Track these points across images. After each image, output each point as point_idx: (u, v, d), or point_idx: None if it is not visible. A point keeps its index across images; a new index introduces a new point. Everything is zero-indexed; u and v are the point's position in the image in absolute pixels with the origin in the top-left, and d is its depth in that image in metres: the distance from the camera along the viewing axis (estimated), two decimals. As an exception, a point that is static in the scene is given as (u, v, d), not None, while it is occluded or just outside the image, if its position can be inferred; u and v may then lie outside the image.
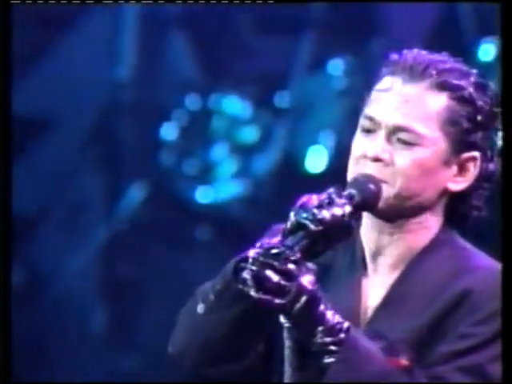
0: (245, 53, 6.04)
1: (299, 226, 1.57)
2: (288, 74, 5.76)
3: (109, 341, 5.53)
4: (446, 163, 1.61)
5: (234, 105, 5.97)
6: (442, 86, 1.61)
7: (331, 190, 1.61)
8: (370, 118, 1.62)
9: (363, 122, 1.64)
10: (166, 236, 5.79)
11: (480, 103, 1.61)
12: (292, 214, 1.58)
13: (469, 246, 1.66)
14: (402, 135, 1.60)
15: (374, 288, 1.65)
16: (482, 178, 1.63)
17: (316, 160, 5.54)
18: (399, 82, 1.61)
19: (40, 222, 5.61)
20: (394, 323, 1.60)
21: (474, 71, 1.64)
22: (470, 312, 1.56)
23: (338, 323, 1.54)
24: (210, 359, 1.64)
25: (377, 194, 1.60)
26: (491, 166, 1.64)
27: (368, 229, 1.66)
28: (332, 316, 1.54)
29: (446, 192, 1.63)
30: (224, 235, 5.89)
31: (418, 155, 1.60)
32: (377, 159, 1.61)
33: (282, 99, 5.81)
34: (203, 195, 5.93)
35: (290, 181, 5.94)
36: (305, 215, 1.57)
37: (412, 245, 1.65)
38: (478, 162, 1.62)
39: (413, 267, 1.63)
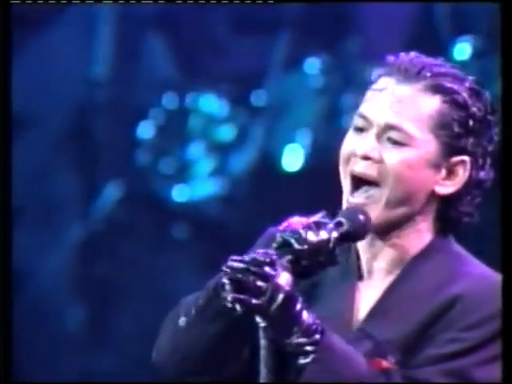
0: (221, 52, 6.04)
1: (284, 244, 1.58)
2: (264, 73, 5.76)
3: (85, 340, 5.51)
4: (435, 166, 1.61)
5: (211, 103, 5.96)
6: (436, 89, 1.62)
7: (320, 214, 1.62)
8: (363, 117, 1.63)
9: (356, 121, 1.64)
10: (142, 235, 5.77)
11: (473, 109, 1.61)
12: (278, 234, 1.59)
13: (463, 252, 1.66)
14: (393, 134, 1.61)
15: (369, 292, 1.65)
16: (472, 183, 1.63)
17: (292, 159, 5.55)
18: (393, 82, 1.61)
19: (15, 221, 5.59)
20: (386, 327, 1.60)
21: (470, 78, 1.64)
22: (459, 317, 1.56)
23: (313, 324, 1.54)
24: (193, 369, 1.65)
25: (365, 226, 1.61)
26: (482, 174, 1.64)
27: None
28: (308, 316, 1.55)
29: (434, 196, 1.63)
30: (201, 234, 5.89)
31: (406, 155, 1.60)
32: (366, 157, 1.61)
33: (259, 98, 5.81)
34: (180, 194, 5.92)
35: (267, 179, 5.94)
36: (291, 234, 1.58)
37: (406, 250, 1.65)
38: (468, 167, 1.62)
39: (407, 272, 1.64)
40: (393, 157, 1.61)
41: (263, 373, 1.56)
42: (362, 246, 1.66)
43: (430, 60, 1.64)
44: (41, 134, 5.75)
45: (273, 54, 5.75)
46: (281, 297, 1.52)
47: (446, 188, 1.63)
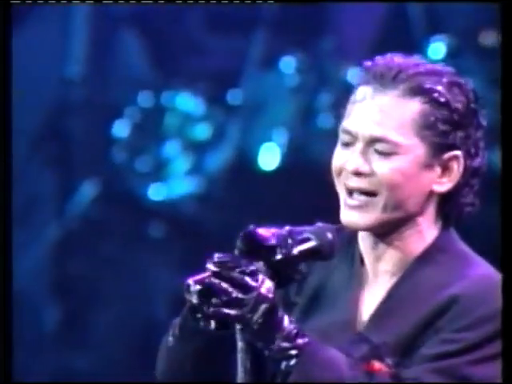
0: (197, 50, 6.03)
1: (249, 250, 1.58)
2: (240, 72, 5.76)
3: (61, 339, 5.50)
4: (428, 167, 1.61)
5: (187, 102, 5.95)
6: (414, 92, 1.60)
7: (287, 227, 1.62)
8: (347, 132, 1.62)
9: (342, 136, 1.63)
10: (118, 233, 5.76)
11: (455, 104, 1.60)
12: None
13: (466, 250, 1.64)
14: (379, 146, 1.60)
15: (374, 295, 1.65)
16: (468, 174, 1.63)
17: (269, 157, 5.56)
18: (371, 91, 1.60)
19: (-9, 220, 5.56)
20: (388, 329, 1.60)
21: (448, 70, 1.63)
22: (455, 317, 1.56)
23: (294, 328, 1.54)
24: (187, 381, 1.66)
25: (332, 245, 1.61)
26: (477, 162, 1.63)
27: (365, 237, 1.67)
28: (288, 322, 1.55)
29: (432, 194, 1.63)
30: (177, 232, 5.88)
31: (396, 164, 1.60)
32: (357, 173, 1.61)
33: (235, 97, 5.81)
34: (156, 192, 5.91)
35: (243, 178, 5.94)
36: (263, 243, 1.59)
37: (408, 251, 1.65)
38: (461, 160, 1.61)
39: (408, 274, 1.64)
40: (383, 167, 1.60)
41: (241, 375, 1.56)
42: (365, 249, 1.66)
43: (406, 60, 1.63)
44: (16, 134, 5.72)
45: (249, 53, 5.75)
46: (263, 308, 1.52)
47: (444, 185, 1.62)
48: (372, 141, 1.60)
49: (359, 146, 1.61)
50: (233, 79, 5.80)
